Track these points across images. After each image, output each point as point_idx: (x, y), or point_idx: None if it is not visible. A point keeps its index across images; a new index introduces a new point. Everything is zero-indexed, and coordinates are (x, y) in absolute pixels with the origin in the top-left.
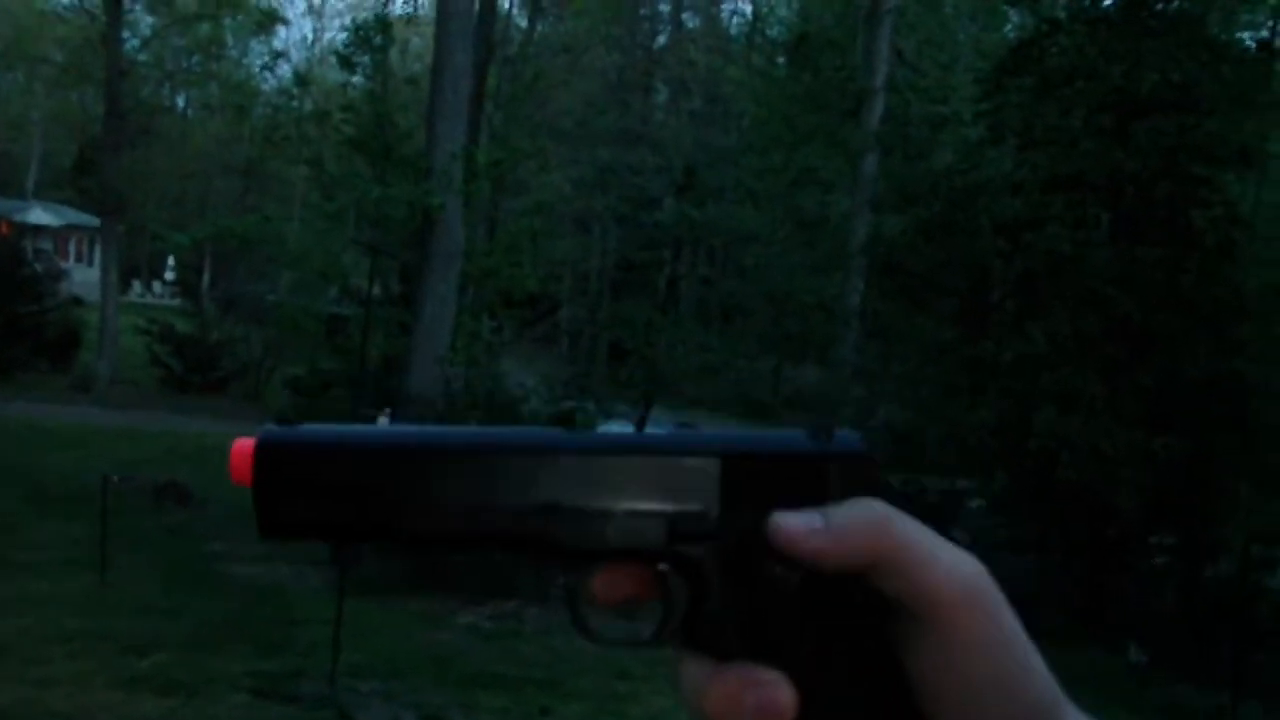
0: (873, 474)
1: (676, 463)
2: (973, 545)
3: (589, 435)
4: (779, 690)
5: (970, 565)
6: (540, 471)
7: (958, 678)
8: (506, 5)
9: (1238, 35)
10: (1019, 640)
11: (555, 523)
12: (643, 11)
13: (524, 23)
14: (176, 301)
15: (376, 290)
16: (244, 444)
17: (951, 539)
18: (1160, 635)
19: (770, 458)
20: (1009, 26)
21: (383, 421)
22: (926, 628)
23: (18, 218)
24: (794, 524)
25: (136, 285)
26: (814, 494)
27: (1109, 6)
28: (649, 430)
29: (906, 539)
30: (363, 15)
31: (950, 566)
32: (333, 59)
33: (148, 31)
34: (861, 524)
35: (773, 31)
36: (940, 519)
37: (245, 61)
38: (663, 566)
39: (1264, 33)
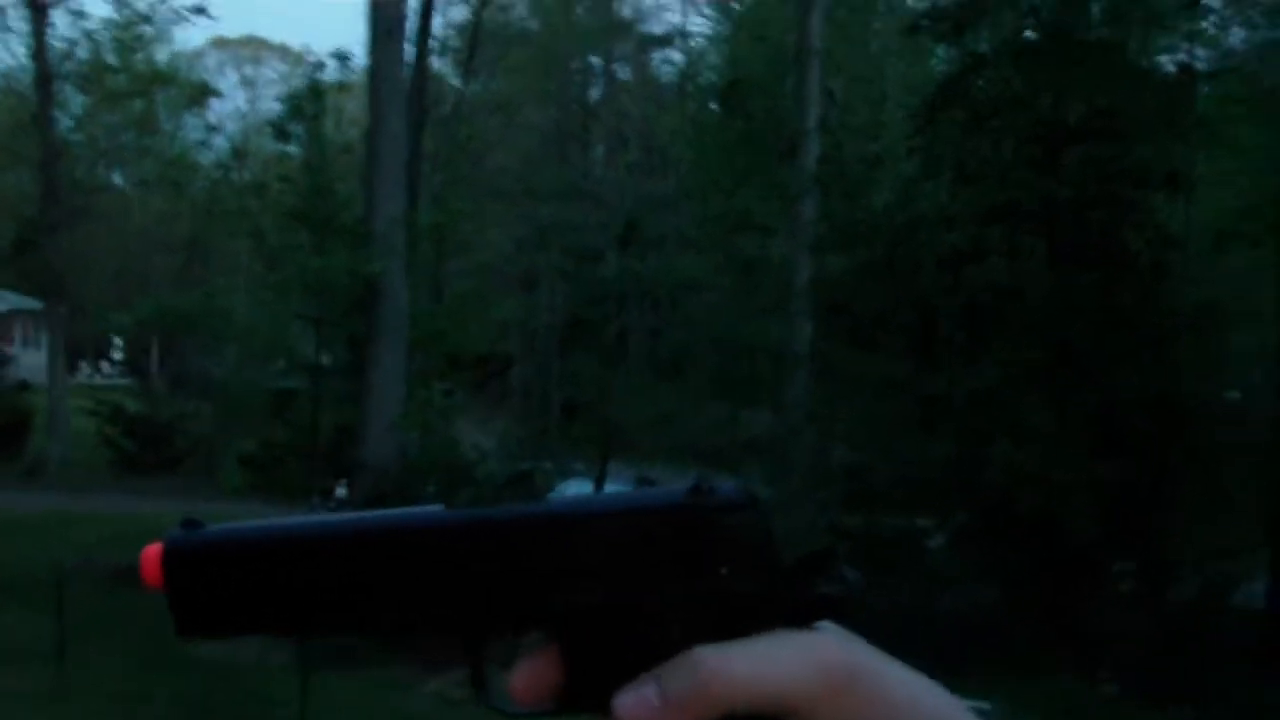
0: (757, 524)
1: (563, 530)
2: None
3: (470, 512)
4: None
5: (812, 661)
6: (425, 553)
7: None
8: (438, 66)
9: (1158, 60)
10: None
11: (445, 602)
12: (574, 65)
13: (457, 82)
14: (125, 381)
15: (325, 360)
16: (152, 550)
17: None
18: (1128, 660)
19: (651, 516)
20: (936, 61)
21: (340, 491)
22: None
23: None
24: (629, 706)
25: (84, 366)
26: (698, 548)
27: (1032, 39)
28: (564, 493)
29: (740, 677)
30: (295, 84)
31: (794, 674)
32: (268, 130)
33: (80, 110)
34: (692, 689)
35: (704, 78)
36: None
37: (180, 136)
38: (554, 641)
39: (1182, 56)
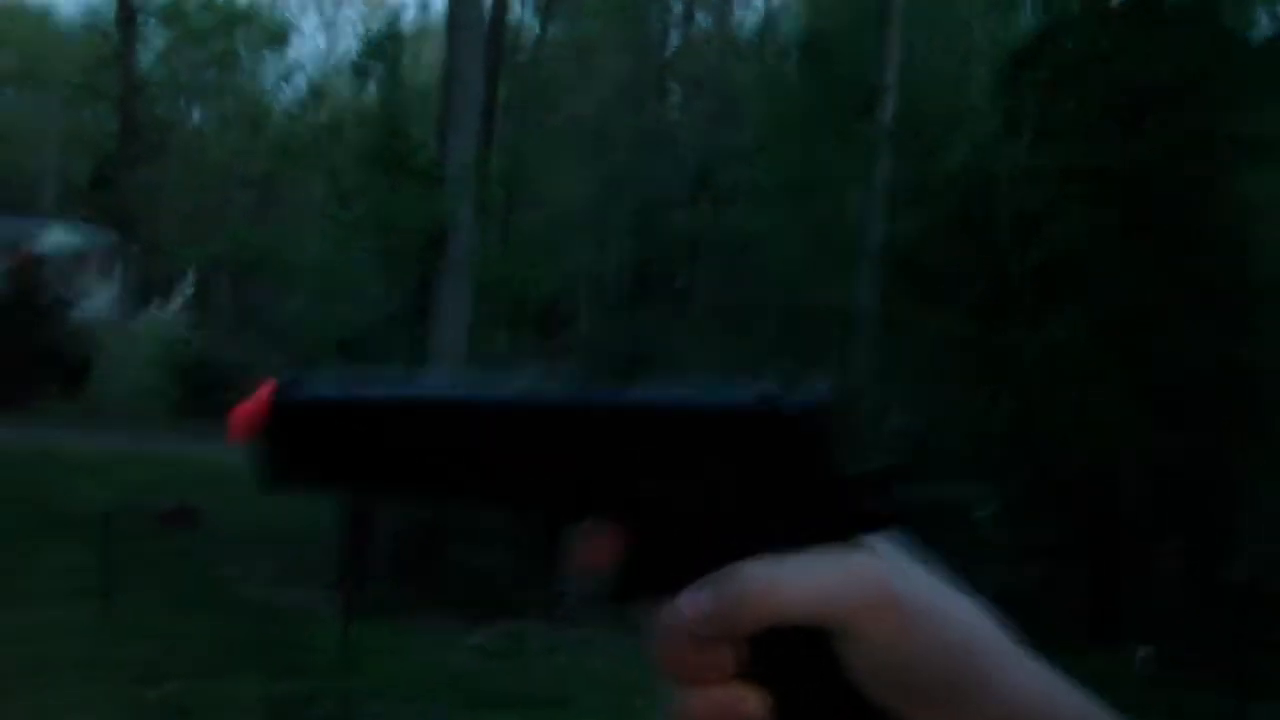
0: (822, 435)
1: (639, 420)
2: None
3: (558, 393)
4: (748, 704)
5: (855, 581)
6: (510, 427)
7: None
8: (518, 10)
9: (1253, 23)
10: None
11: (524, 478)
12: (653, 12)
13: (536, 28)
14: (193, 321)
15: (392, 302)
16: (257, 398)
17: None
18: (1170, 638)
19: (720, 417)
20: (1022, 19)
21: None
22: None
23: (35, 237)
24: (685, 612)
25: (155, 302)
26: (770, 452)
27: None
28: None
29: (783, 594)
30: (374, 27)
31: (836, 593)
32: (346, 72)
33: (161, 47)
34: (737, 604)
35: (784, 30)
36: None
37: (259, 75)
38: (618, 528)
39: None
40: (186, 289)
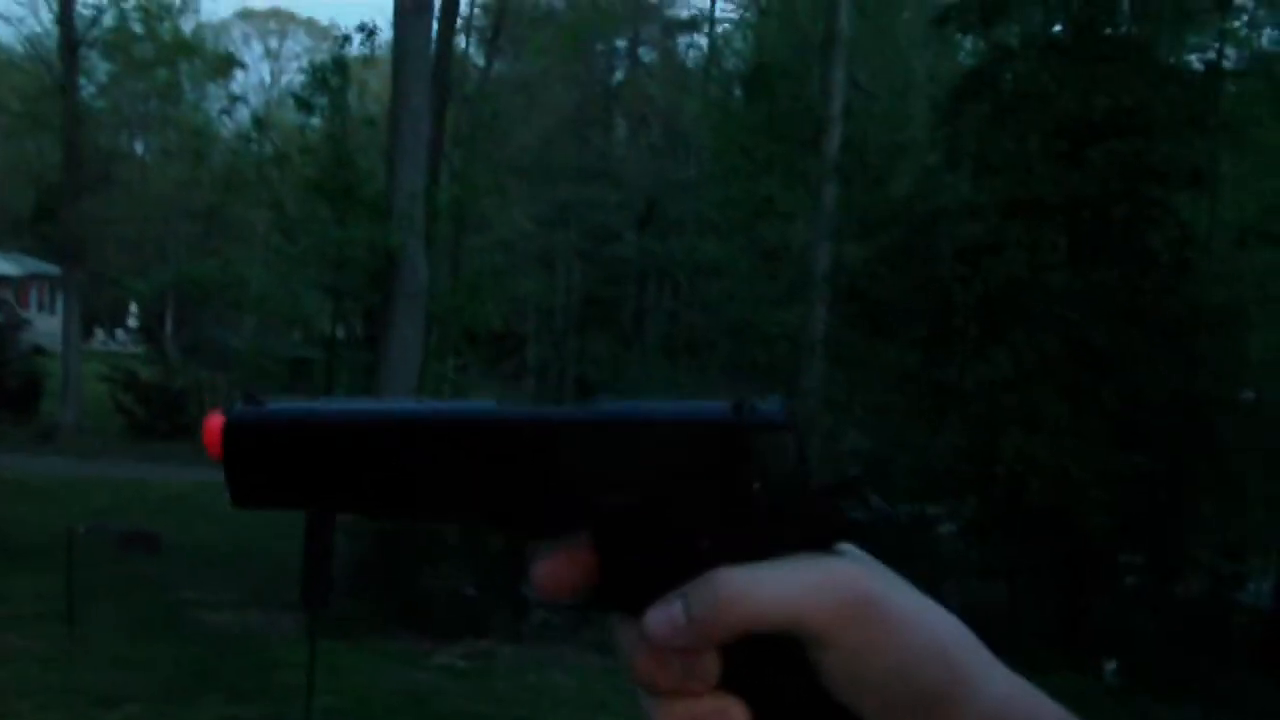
0: (792, 446)
1: (608, 433)
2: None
3: (521, 408)
4: (731, 715)
5: (830, 586)
6: (476, 444)
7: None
8: (463, 44)
9: (1185, 58)
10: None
11: (492, 493)
12: (599, 48)
13: (481, 61)
14: (140, 349)
15: (340, 333)
16: (215, 420)
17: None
18: (1134, 654)
19: (692, 427)
20: (963, 54)
21: None
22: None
23: None
24: (658, 624)
25: (99, 333)
26: (735, 463)
27: (1060, 33)
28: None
29: (759, 600)
30: (320, 57)
31: (812, 598)
32: (290, 102)
33: (104, 78)
34: (714, 610)
35: (729, 64)
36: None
37: (203, 106)
38: (588, 539)
39: (1211, 55)
40: (131, 319)
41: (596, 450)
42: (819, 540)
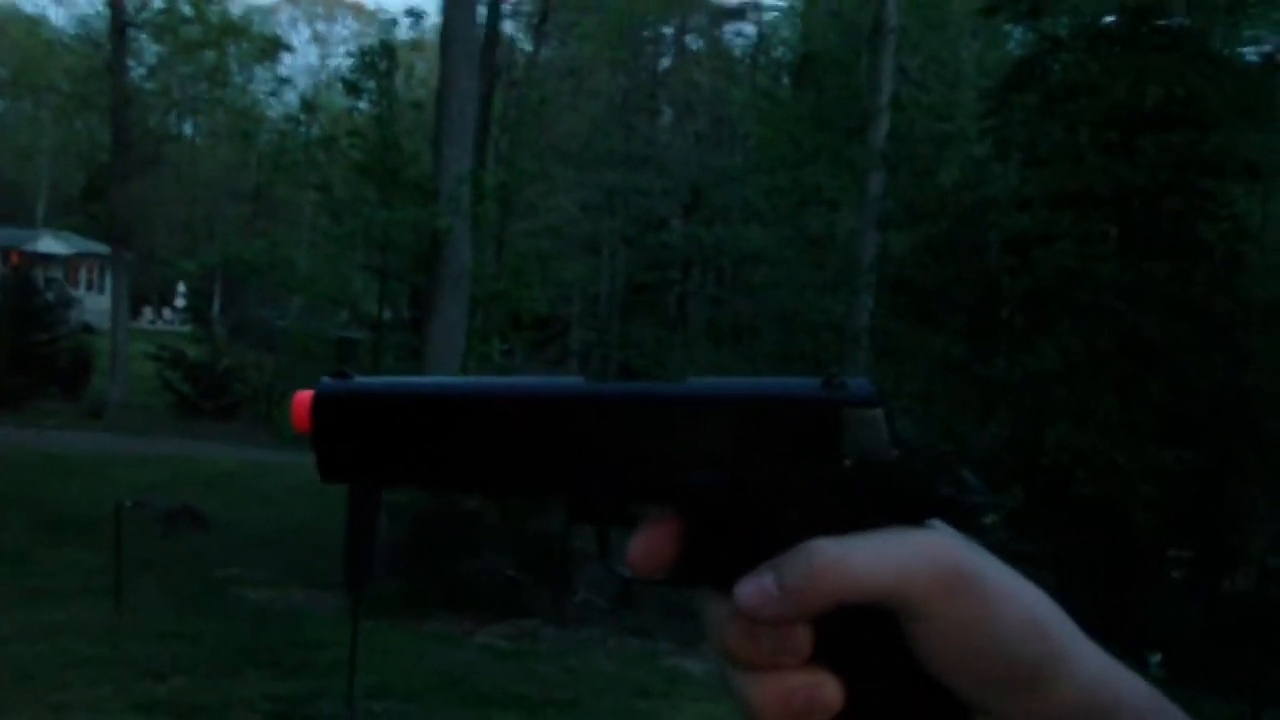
0: (882, 422)
1: (697, 409)
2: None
3: (609, 385)
4: (825, 689)
5: (925, 559)
6: (562, 421)
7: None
8: (510, 30)
9: (1241, 50)
10: (1001, 612)
11: (581, 473)
12: (646, 34)
13: (528, 47)
14: (187, 328)
15: (386, 314)
16: (304, 395)
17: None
18: (1180, 648)
19: (783, 403)
20: (1011, 44)
21: None
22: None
23: (28, 246)
24: (749, 595)
25: (147, 312)
26: (826, 439)
27: (1110, 23)
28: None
29: (854, 570)
30: (367, 41)
31: (906, 570)
32: (338, 84)
33: (153, 60)
34: (808, 580)
35: (777, 52)
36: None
37: (251, 88)
38: (677, 515)
39: (1267, 47)
40: (179, 298)
41: (687, 426)
42: (910, 515)
